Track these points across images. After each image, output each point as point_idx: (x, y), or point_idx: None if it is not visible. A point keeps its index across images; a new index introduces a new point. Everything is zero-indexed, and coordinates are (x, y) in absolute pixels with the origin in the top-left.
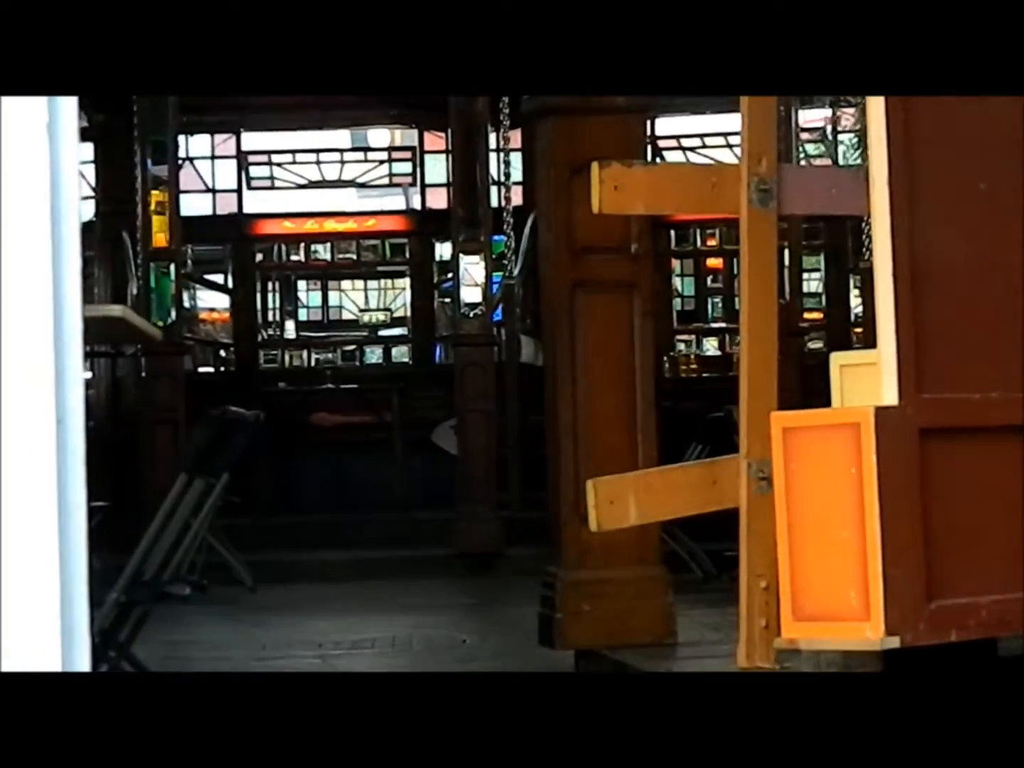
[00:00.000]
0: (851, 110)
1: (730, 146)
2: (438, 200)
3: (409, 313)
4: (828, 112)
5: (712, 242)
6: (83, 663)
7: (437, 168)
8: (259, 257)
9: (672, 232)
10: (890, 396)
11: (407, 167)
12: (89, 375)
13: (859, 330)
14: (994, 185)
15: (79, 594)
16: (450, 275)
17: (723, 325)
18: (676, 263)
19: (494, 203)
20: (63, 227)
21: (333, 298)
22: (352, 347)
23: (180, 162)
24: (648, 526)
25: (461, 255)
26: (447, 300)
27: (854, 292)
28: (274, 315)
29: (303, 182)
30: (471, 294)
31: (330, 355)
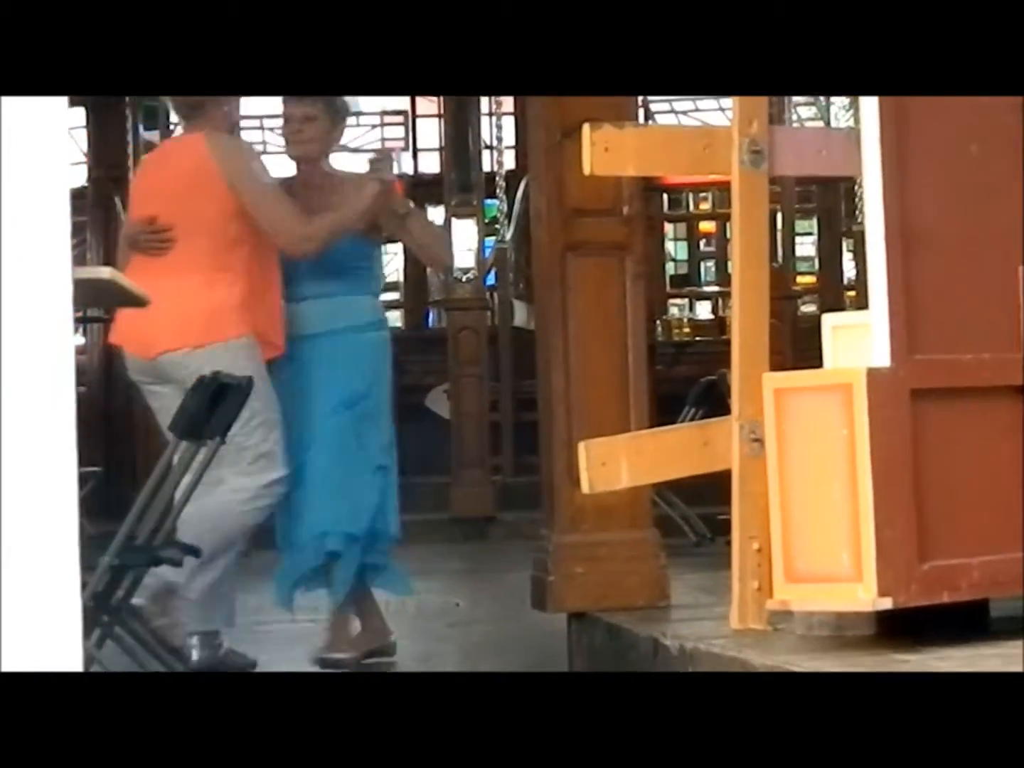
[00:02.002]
0: None
1: (722, 109)
2: (430, 165)
3: (402, 278)
4: None
5: (705, 206)
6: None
7: (429, 133)
8: None
9: (665, 196)
10: (882, 357)
11: (399, 132)
12: (82, 341)
13: (852, 293)
14: (985, 147)
15: (71, 565)
16: None
17: (716, 289)
18: (669, 227)
19: (487, 167)
20: (51, 188)
21: None
22: None
23: (172, 127)
24: (640, 489)
25: (454, 219)
26: None
27: (847, 255)
28: None
29: None
30: (464, 259)
31: None
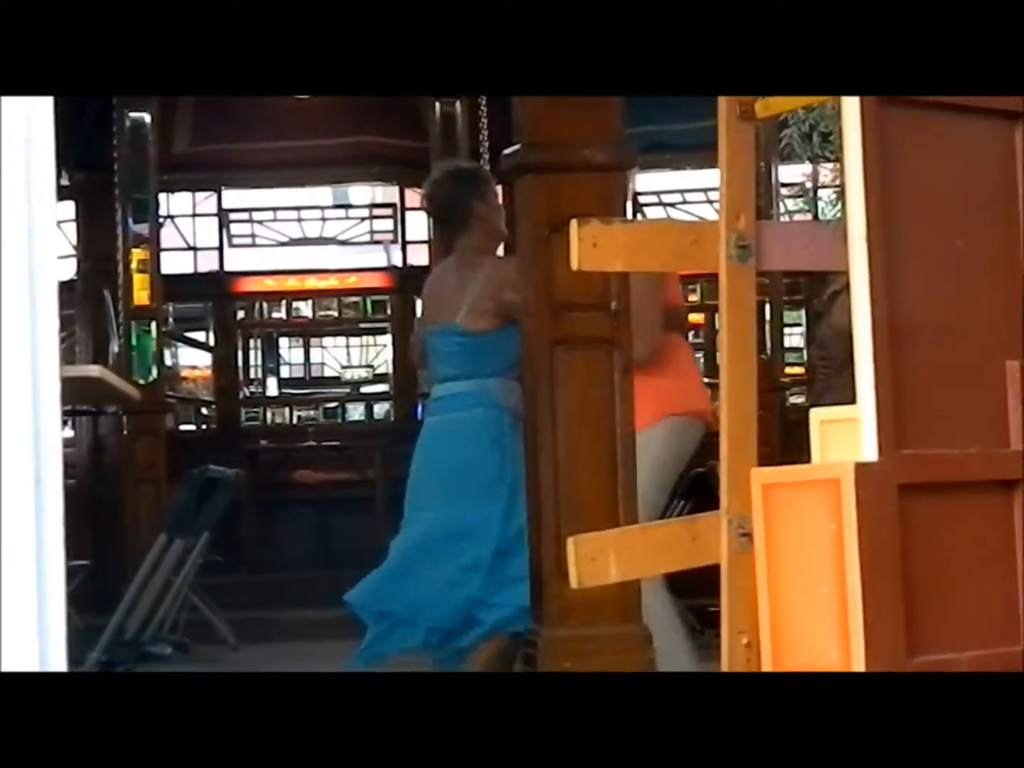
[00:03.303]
0: (831, 165)
1: (710, 202)
2: (419, 257)
3: (391, 370)
4: (808, 168)
5: (693, 297)
6: None
7: (418, 225)
8: (241, 315)
9: None
10: (869, 452)
11: (388, 224)
12: (71, 434)
13: None
14: (971, 242)
15: (58, 660)
16: None
17: (706, 380)
18: None
19: None
20: (40, 286)
21: (315, 355)
22: (334, 404)
23: (161, 220)
24: (628, 583)
25: None
26: None
27: None
28: (256, 372)
29: (284, 239)
30: None
31: (312, 412)
